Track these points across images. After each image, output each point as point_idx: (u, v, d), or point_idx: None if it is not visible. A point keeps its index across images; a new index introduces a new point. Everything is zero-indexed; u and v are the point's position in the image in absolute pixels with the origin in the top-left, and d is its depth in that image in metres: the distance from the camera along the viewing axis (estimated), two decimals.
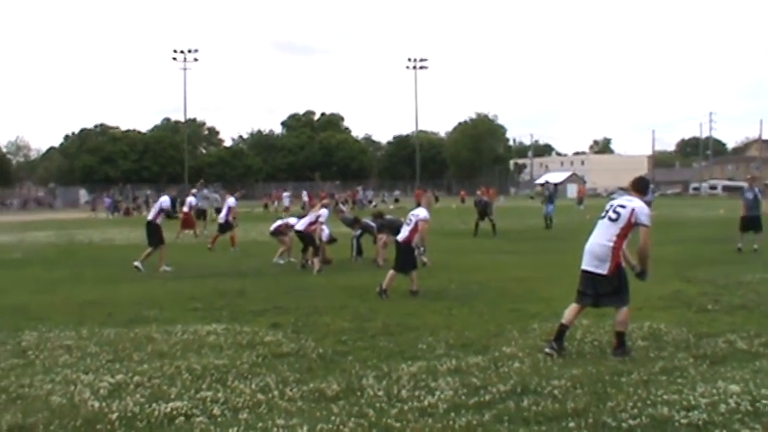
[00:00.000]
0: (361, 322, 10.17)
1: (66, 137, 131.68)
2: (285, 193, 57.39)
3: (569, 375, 7.14)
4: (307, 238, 17.18)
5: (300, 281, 15.19)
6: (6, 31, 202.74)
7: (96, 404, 6.47)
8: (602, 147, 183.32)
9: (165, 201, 18.51)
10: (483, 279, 14.71)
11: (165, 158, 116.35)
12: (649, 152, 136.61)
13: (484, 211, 28.77)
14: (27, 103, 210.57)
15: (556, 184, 39.55)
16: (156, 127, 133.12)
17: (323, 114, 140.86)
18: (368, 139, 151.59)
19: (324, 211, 17.50)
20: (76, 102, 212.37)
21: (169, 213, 18.74)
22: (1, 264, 17.71)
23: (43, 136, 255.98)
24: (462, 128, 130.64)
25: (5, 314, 11.40)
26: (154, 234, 17.97)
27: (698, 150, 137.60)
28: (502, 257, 19.46)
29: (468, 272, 15.93)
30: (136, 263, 17.35)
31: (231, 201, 23.66)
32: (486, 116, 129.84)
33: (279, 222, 19.33)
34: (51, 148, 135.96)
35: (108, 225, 42.21)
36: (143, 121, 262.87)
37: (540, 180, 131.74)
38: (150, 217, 18.48)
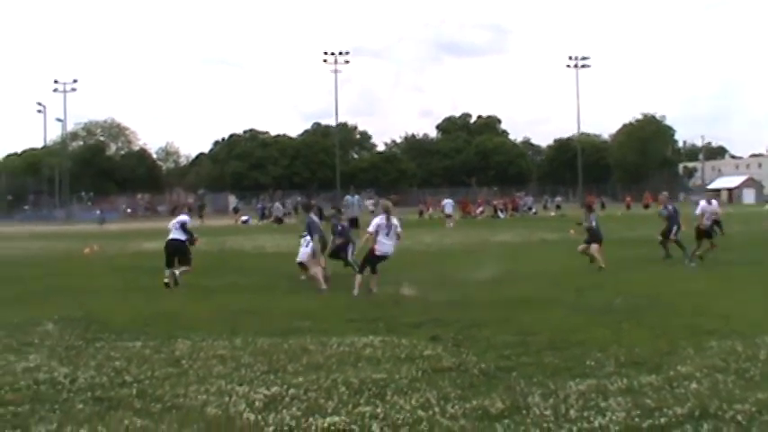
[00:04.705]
0: (525, 336, 9.75)
1: (216, 143, 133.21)
2: (447, 200, 51.86)
3: (754, 399, 6.61)
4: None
5: (459, 292, 14.50)
6: (154, 39, 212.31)
7: (252, 417, 6.45)
8: None
9: (183, 219, 17.35)
10: (652, 292, 13.91)
11: (316, 164, 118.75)
12: None
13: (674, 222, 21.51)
14: (177, 109, 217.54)
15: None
16: (305, 132, 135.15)
17: (479, 117, 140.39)
18: (527, 142, 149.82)
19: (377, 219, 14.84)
20: (225, 107, 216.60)
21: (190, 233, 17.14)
22: (152, 271, 18.13)
23: (193, 142, 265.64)
24: (628, 130, 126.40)
25: (158, 321, 11.57)
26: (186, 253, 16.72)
27: None
28: (670, 269, 18.56)
29: (634, 284, 15.22)
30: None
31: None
32: (653, 117, 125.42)
33: None
34: (201, 154, 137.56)
35: (258, 232, 42.97)
36: (292, 126, 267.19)
37: (713, 185, 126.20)
38: (175, 236, 16.79)
